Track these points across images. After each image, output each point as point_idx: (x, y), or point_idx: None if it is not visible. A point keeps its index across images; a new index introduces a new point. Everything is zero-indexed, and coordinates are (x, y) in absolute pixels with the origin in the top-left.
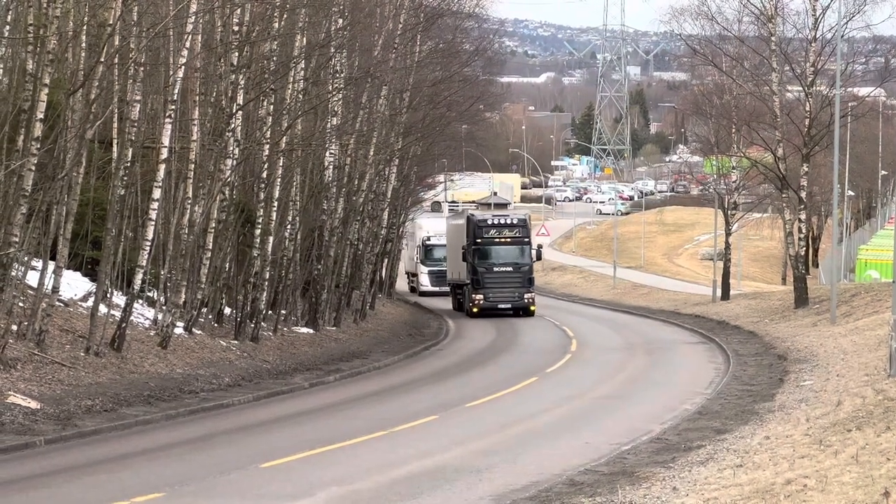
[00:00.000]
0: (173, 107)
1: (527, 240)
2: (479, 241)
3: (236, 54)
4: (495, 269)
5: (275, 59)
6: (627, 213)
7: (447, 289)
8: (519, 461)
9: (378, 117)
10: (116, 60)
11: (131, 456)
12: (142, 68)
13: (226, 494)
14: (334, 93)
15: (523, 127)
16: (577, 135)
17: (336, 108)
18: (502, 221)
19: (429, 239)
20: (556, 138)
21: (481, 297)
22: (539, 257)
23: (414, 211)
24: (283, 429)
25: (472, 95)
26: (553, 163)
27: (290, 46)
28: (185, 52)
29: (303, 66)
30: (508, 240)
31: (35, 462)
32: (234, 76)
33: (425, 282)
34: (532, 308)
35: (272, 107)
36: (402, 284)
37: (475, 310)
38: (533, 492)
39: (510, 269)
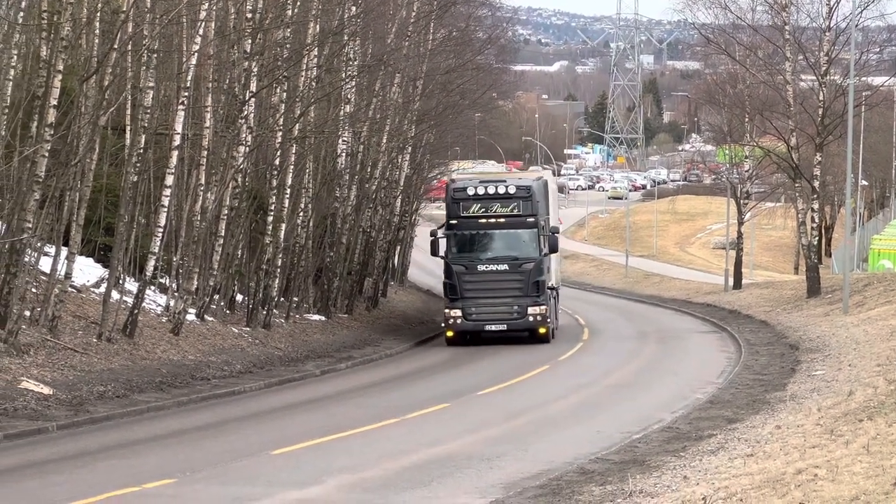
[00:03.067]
0: (186, 94)
1: (531, 219)
2: (454, 221)
3: (249, 41)
4: (480, 267)
5: (288, 46)
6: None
7: None
8: (530, 449)
9: (391, 105)
10: (130, 47)
11: (143, 442)
12: (155, 55)
13: (237, 481)
14: (347, 80)
15: (536, 115)
16: (590, 123)
17: (349, 96)
18: (493, 191)
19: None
20: (569, 127)
21: (459, 312)
22: (555, 248)
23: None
24: (295, 416)
25: (486, 84)
26: (566, 151)
27: (303, 34)
28: (198, 39)
29: (316, 53)
30: (502, 220)
31: (47, 447)
32: (247, 63)
33: None
34: (542, 330)
35: (285, 94)
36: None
37: (449, 333)
38: (544, 480)
39: (505, 266)
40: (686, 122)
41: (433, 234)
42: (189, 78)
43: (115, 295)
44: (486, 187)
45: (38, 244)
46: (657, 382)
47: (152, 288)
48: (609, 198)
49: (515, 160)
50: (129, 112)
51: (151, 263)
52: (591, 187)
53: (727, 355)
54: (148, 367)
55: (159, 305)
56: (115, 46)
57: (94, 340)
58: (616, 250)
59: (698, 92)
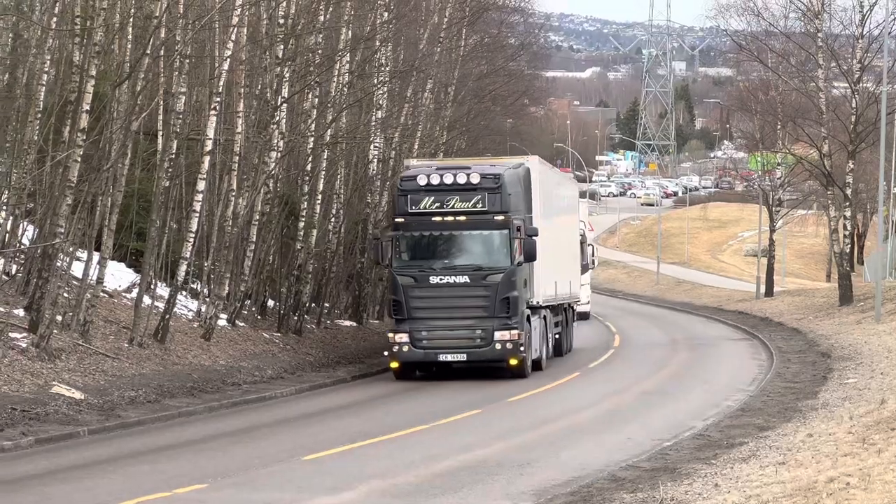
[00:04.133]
0: (218, 99)
1: (501, 217)
2: (401, 220)
3: (281, 47)
4: (433, 279)
5: (320, 51)
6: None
7: None
8: (560, 456)
9: (423, 111)
10: (162, 52)
11: (174, 447)
12: (187, 60)
13: (267, 487)
14: (379, 86)
15: (568, 122)
16: (622, 130)
17: (381, 102)
18: (450, 180)
19: None
20: (600, 133)
21: (405, 338)
22: (532, 254)
23: None
24: (325, 422)
25: (518, 90)
26: (597, 158)
27: (335, 39)
28: (230, 45)
29: (348, 59)
30: (463, 218)
31: (78, 452)
32: (279, 69)
33: None
34: (513, 361)
35: (317, 100)
36: None
37: (394, 364)
38: (574, 487)
39: (465, 278)
40: (718, 128)
41: (376, 236)
42: (221, 83)
43: (146, 300)
44: (441, 175)
45: (71, 249)
46: (688, 390)
47: (184, 293)
48: (641, 204)
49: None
50: (161, 117)
51: (183, 268)
52: (622, 194)
53: (758, 363)
54: (179, 373)
55: (190, 311)
56: (148, 52)
57: (126, 345)
58: (647, 257)
59: (730, 99)
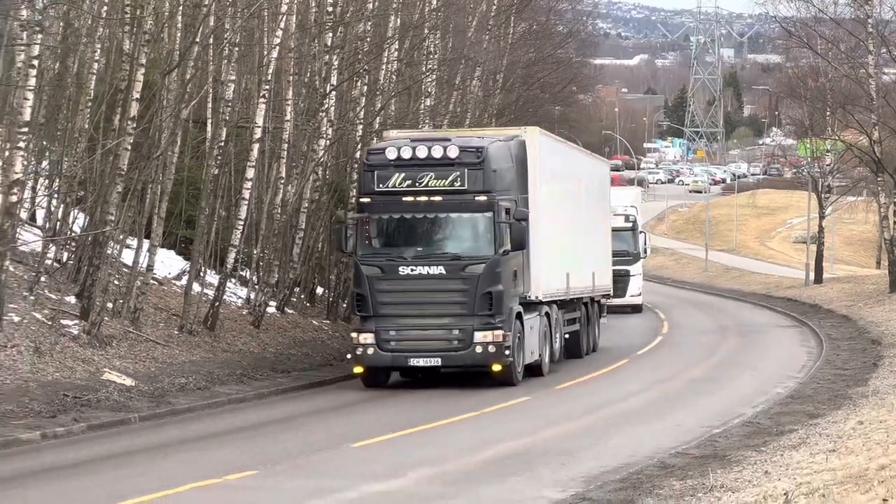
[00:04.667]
0: (267, 87)
1: (484, 198)
2: (366, 200)
3: (330, 35)
4: (403, 269)
5: (368, 39)
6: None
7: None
8: (609, 443)
9: (471, 98)
10: (211, 41)
11: (224, 434)
12: (236, 49)
13: (318, 473)
14: (428, 74)
15: (616, 109)
16: (670, 117)
17: (429, 89)
18: (424, 154)
19: None
20: (648, 121)
21: (370, 338)
22: (521, 242)
23: None
24: (374, 409)
25: (566, 77)
26: (645, 145)
27: (383, 27)
28: (279, 33)
29: (396, 46)
30: (438, 198)
31: (129, 438)
32: (327, 57)
33: None
34: (496, 367)
35: (366, 87)
36: None
37: (358, 368)
38: (623, 474)
39: (440, 269)
40: (767, 115)
41: (339, 219)
42: (270, 71)
43: (196, 287)
44: (414, 148)
45: (121, 237)
46: (737, 377)
47: (233, 280)
48: (689, 192)
49: (596, 154)
50: (210, 105)
51: (232, 256)
52: (670, 181)
53: (808, 350)
54: (229, 360)
55: (240, 298)
56: (197, 40)
57: (176, 332)
58: (695, 244)
59: (779, 85)
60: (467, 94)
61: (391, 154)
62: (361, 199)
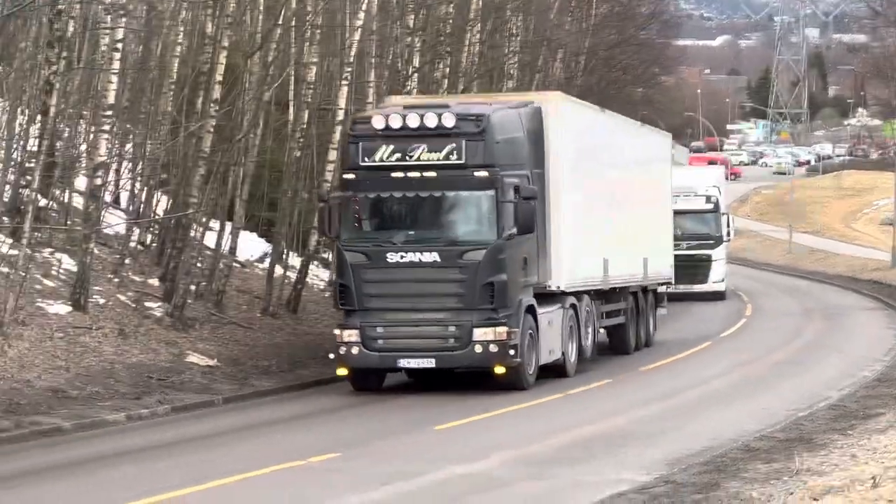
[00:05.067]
0: (349, 69)
1: (485, 174)
2: (350, 176)
3: (412, 17)
4: (391, 256)
5: (450, 21)
6: (783, 173)
7: (688, 288)
8: (692, 426)
9: (554, 80)
10: (293, 23)
11: (307, 416)
12: (318, 31)
13: (401, 456)
14: (510, 56)
15: (698, 91)
16: (753, 98)
17: (511, 72)
18: (416, 124)
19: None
20: (731, 102)
21: (355, 335)
22: (528, 224)
23: None
24: (455, 392)
25: (648, 59)
26: (728, 126)
27: (465, 9)
28: (361, 15)
29: (478, 28)
30: (432, 173)
31: (213, 420)
32: (409, 38)
33: None
34: (500, 369)
35: (447, 69)
36: None
37: (342, 370)
38: (707, 457)
39: (434, 256)
40: (852, 96)
41: (323, 197)
42: (352, 53)
43: (278, 270)
44: (404, 117)
45: (203, 219)
46: (823, 359)
47: (315, 263)
48: (773, 173)
49: (677, 136)
50: (292, 88)
51: (314, 238)
52: (753, 163)
53: (895, 333)
54: (311, 343)
55: (322, 280)
56: (279, 22)
57: (259, 315)
58: (779, 226)
59: (865, 65)
60: (549, 76)
61: (378, 123)
62: (345, 176)
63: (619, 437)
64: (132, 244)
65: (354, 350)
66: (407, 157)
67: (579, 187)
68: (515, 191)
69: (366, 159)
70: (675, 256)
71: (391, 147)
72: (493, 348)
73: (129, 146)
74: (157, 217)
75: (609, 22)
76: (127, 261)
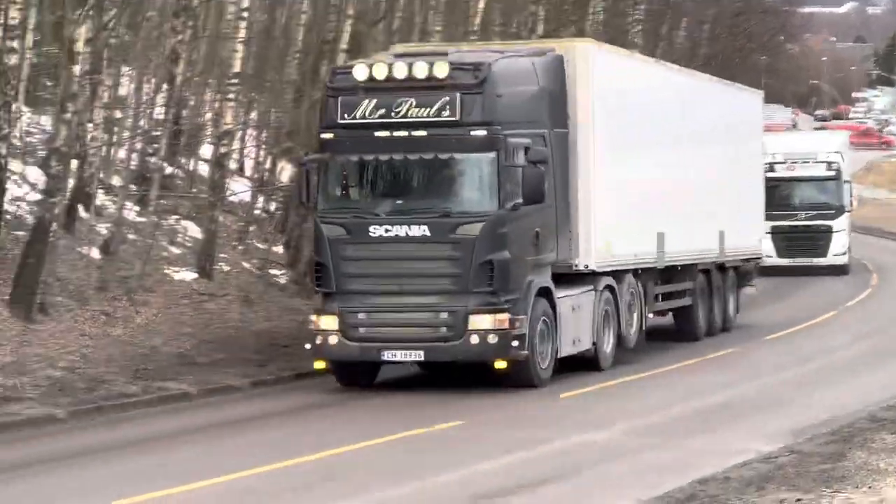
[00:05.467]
0: (474, 37)
1: (483, 132)
2: (328, 135)
3: None
4: (375, 230)
5: None
6: None
7: (806, 261)
8: (817, 395)
9: (678, 48)
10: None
11: (432, 382)
12: None
13: (525, 424)
14: (633, 24)
15: (823, 59)
16: (880, 66)
17: (635, 40)
18: (403, 74)
19: (771, 168)
20: (857, 70)
21: (333, 322)
22: (537, 193)
23: None
24: (578, 362)
25: (773, 27)
26: (854, 95)
27: None
28: None
29: None
30: (422, 133)
31: (338, 388)
32: (533, 7)
33: (767, 249)
34: (499, 364)
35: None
36: None
37: (319, 364)
38: (833, 426)
39: (423, 230)
40: None
41: (302, 161)
42: (476, 21)
43: None
44: (391, 66)
45: None
46: None
47: None
48: None
49: (802, 105)
50: None
51: None
52: (879, 131)
53: None
54: None
55: None
56: None
57: None
58: None
59: None
60: (673, 44)
61: (360, 73)
62: (322, 135)
63: (742, 406)
64: (256, 212)
65: (332, 340)
66: (392, 114)
67: (621, 152)
68: (526, 151)
69: (345, 116)
70: (792, 227)
71: (374, 101)
72: (491, 339)
73: (253, 114)
74: (281, 185)
75: None
76: (251, 228)
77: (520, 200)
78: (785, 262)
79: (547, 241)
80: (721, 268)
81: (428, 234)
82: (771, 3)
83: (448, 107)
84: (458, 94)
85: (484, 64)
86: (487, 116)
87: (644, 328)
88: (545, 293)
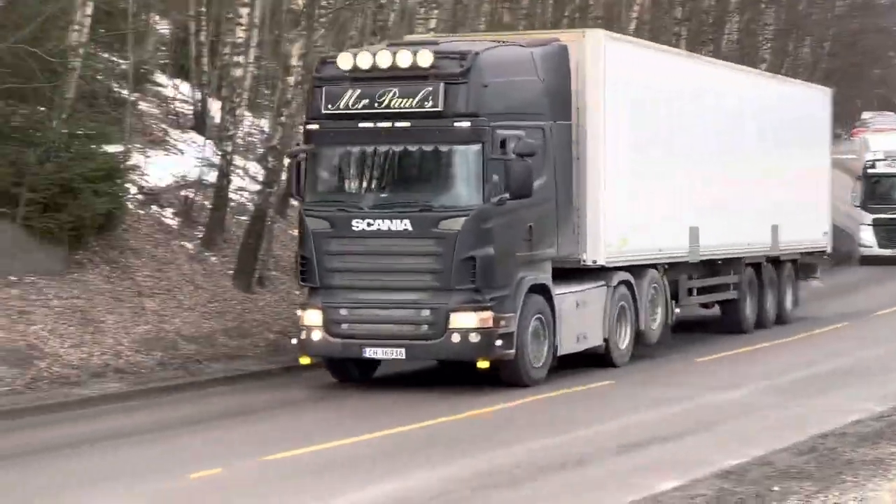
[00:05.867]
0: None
1: (467, 124)
2: (313, 126)
3: (680, 9)
4: (357, 223)
5: (712, 13)
6: None
7: None
8: None
9: (801, 63)
10: (577, 15)
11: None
12: (599, 21)
13: (663, 384)
14: (764, 43)
15: None
16: None
17: (765, 56)
18: (387, 63)
19: (873, 165)
20: None
21: (317, 317)
22: (525, 187)
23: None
24: (714, 327)
25: (887, 45)
26: None
27: (725, 1)
28: (636, 8)
29: (737, 19)
30: (404, 124)
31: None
32: (677, 28)
33: (868, 239)
34: (482, 363)
35: (710, 55)
36: None
37: (305, 359)
38: None
39: (405, 224)
40: None
41: (293, 153)
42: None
43: None
44: (375, 55)
45: None
46: None
47: None
48: None
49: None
50: None
51: None
52: None
53: None
54: None
55: None
56: (566, 14)
57: None
58: None
59: None
60: (798, 59)
61: (345, 63)
62: (308, 126)
63: (854, 372)
64: None
65: (315, 335)
66: (375, 104)
67: (641, 148)
68: (517, 142)
69: (329, 106)
70: (890, 220)
71: (358, 91)
72: (473, 338)
73: None
74: None
75: (852, 12)
76: None
77: (506, 195)
78: (886, 252)
79: (544, 236)
80: (776, 261)
81: (410, 228)
82: (885, 24)
83: (431, 97)
84: (441, 84)
85: (469, 53)
86: (473, 107)
87: (670, 322)
88: (540, 290)
